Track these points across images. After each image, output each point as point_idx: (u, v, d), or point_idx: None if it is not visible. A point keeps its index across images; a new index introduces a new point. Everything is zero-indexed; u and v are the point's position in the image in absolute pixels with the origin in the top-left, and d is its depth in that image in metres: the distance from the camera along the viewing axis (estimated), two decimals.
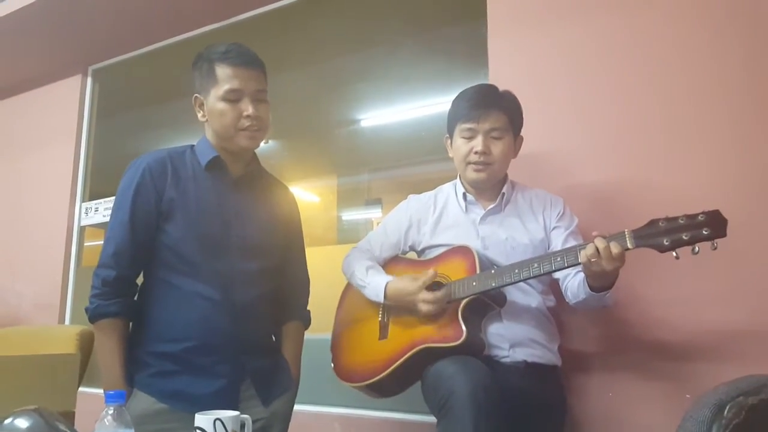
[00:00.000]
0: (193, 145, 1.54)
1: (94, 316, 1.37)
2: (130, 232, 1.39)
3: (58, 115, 3.50)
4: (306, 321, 1.66)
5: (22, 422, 0.87)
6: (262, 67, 1.48)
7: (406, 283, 1.53)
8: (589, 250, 1.30)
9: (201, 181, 1.47)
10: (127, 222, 1.39)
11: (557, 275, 1.57)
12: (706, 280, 1.59)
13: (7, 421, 0.88)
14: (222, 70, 1.41)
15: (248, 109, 1.41)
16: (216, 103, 1.42)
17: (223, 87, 1.41)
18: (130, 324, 1.44)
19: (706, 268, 1.53)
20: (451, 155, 1.70)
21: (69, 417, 1.38)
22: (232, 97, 1.41)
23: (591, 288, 1.40)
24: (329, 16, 2.71)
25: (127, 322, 1.42)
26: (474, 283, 1.46)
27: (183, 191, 1.43)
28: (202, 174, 1.47)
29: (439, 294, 1.47)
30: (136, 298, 1.45)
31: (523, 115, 1.65)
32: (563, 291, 1.57)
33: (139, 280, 1.47)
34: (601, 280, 1.37)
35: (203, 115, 1.48)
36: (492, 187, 1.66)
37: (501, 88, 1.65)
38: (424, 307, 1.48)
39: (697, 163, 1.67)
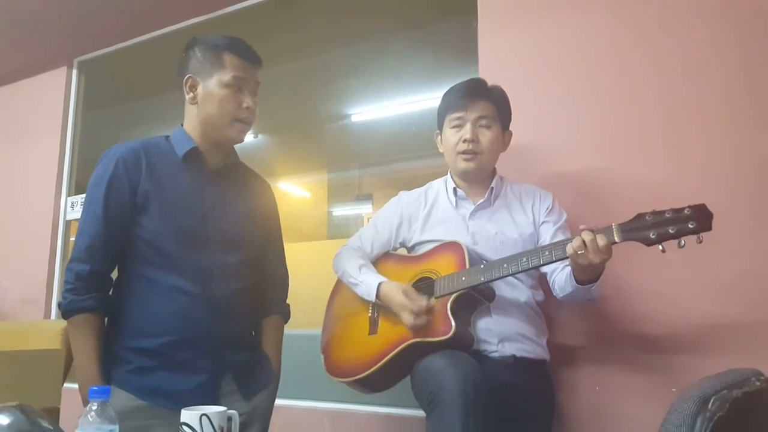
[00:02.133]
0: (167, 136, 1.50)
1: (67, 311, 1.33)
2: (104, 225, 1.36)
3: (44, 108, 3.46)
4: (285, 315, 1.63)
5: (4, 419, 0.86)
6: (261, 65, 1.50)
7: (396, 294, 1.51)
8: (576, 242, 1.31)
9: (177, 172, 1.43)
10: (101, 215, 1.35)
11: (545, 269, 1.57)
12: (691, 274, 1.60)
13: None
14: (230, 58, 1.42)
15: (248, 101, 1.43)
16: (218, 88, 1.41)
17: (230, 74, 1.41)
18: (105, 319, 1.40)
19: (692, 262, 1.55)
20: (441, 150, 1.70)
21: (54, 413, 1.37)
22: (237, 84, 1.42)
23: (577, 281, 1.41)
24: (319, 10, 2.70)
25: (102, 318, 1.38)
26: (463, 278, 1.46)
27: (158, 183, 1.40)
28: (178, 165, 1.44)
29: (419, 321, 1.45)
30: (111, 292, 1.41)
31: (513, 110, 1.66)
32: (551, 285, 1.58)
33: (114, 274, 1.43)
34: (587, 273, 1.38)
35: (194, 98, 1.45)
36: (481, 180, 1.67)
37: (491, 82, 1.66)
38: (408, 321, 1.47)
39: (685, 156, 1.68)
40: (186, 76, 1.45)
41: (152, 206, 1.38)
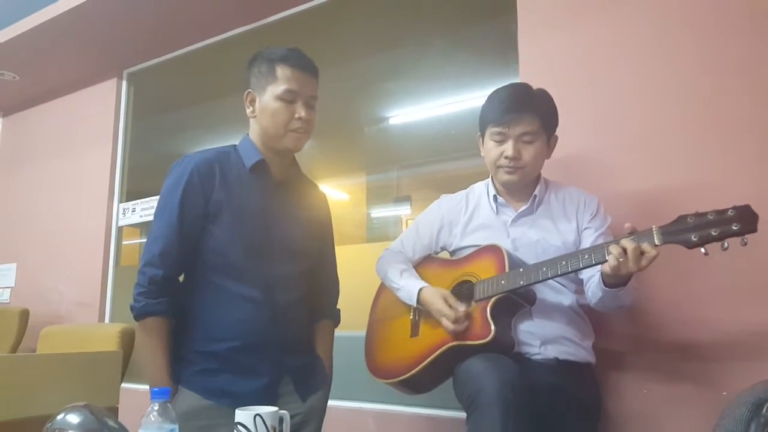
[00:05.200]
0: (235, 145, 1.56)
1: (141, 314, 1.39)
2: (178, 232, 1.41)
3: (96, 118, 3.60)
4: (336, 319, 1.69)
5: (74, 417, 0.91)
6: (317, 75, 1.53)
7: (436, 300, 1.52)
8: (615, 250, 1.28)
9: (246, 183, 1.49)
10: (176, 222, 1.41)
11: (582, 275, 1.55)
12: (742, 276, 1.55)
13: (59, 417, 0.92)
14: (282, 71, 1.46)
15: (301, 112, 1.46)
16: (271, 101, 1.46)
17: (282, 86, 1.45)
18: (173, 322, 1.46)
19: (742, 263, 1.51)
20: (482, 154, 1.68)
21: (113, 412, 1.44)
22: (288, 98, 1.45)
23: (605, 284, 1.38)
24: (358, 15, 2.73)
25: (170, 321, 1.44)
26: (502, 282, 1.46)
27: (230, 194, 1.45)
28: (246, 176, 1.49)
29: (457, 327, 1.46)
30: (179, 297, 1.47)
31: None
32: (585, 291, 1.54)
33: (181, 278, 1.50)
34: (616, 277, 1.34)
35: (252, 111, 1.52)
36: (524, 188, 1.64)
37: (531, 84, 1.62)
38: (447, 327, 1.48)
39: (733, 161, 1.63)
40: (246, 92, 1.52)
41: (223, 216, 1.43)
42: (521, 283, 1.43)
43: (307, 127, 1.48)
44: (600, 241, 1.53)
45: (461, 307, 1.47)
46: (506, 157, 1.56)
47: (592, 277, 1.51)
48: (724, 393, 1.52)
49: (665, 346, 1.67)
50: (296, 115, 1.45)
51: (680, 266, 1.54)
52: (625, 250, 1.27)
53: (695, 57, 1.73)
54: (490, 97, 1.63)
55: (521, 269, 1.46)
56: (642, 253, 1.27)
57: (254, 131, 1.54)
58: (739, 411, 0.90)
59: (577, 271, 1.40)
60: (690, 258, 1.33)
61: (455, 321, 1.46)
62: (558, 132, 1.65)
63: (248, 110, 1.53)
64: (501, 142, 1.58)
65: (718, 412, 1.19)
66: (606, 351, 1.68)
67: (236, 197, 1.46)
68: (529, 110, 1.55)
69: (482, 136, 1.65)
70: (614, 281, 1.36)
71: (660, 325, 1.67)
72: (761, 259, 1.48)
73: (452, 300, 1.50)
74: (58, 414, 0.92)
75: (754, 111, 1.62)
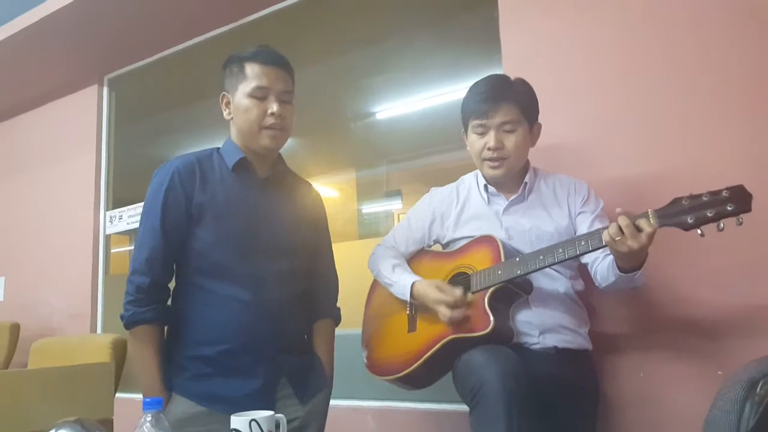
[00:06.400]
0: (218, 148, 1.55)
1: (130, 323, 1.38)
2: (162, 237, 1.40)
3: (78, 125, 3.56)
4: (336, 318, 1.67)
5: None
6: (289, 70, 1.51)
7: (430, 290, 1.51)
8: (612, 229, 1.28)
9: (229, 183, 1.48)
10: (159, 227, 1.40)
11: (585, 259, 1.55)
12: (734, 256, 1.56)
13: None
14: (251, 68, 1.45)
15: (273, 107, 1.44)
16: (242, 99, 1.45)
17: (251, 84, 1.44)
18: (165, 328, 1.46)
19: (734, 244, 1.51)
20: (468, 149, 1.68)
21: (107, 424, 1.42)
22: (259, 94, 1.44)
23: (620, 269, 1.38)
24: (341, 11, 2.71)
25: (162, 328, 1.43)
26: (499, 272, 1.45)
27: (212, 195, 1.44)
28: (229, 176, 1.48)
29: (456, 313, 1.45)
30: (169, 302, 1.46)
31: (538, 102, 1.62)
32: (592, 275, 1.55)
33: (171, 284, 1.49)
34: (629, 261, 1.35)
35: (229, 113, 1.51)
36: (513, 177, 1.63)
37: (515, 73, 1.63)
38: (445, 315, 1.47)
39: (720, 145, 1.63)
40: (221, 95, 1.51)
41: (206, 218, 1.42)
42: (518, 272, 1.43)
43: (282, 123, 1.46)
44: (597, 223, 1.54)
45: (457, 291, 1.46)
46: (489, 148, 1.56)
47: (596, 260, 1.52)
48: (719, 372, 1.53)
49: (659, 329, 1.67)
50: (269, 111, 1.44)
51: (671, 248, 1.55)
52: (620, 228, 1.27)
53: (682, 42, 1.73)
54: (469, 91, 1.63)
55: (517, 258, 1.45)
56: (639, 229, 1.27)
57: (233, 134, 1.53)
58: (733, 391, 0.90)
59: (574, 258, 1.40)
60: (680, 239, 1.33)
61: (453, 306, 1.45)
62: (544, 121, 1.64)
63: (225, 113, 1.52)
64: (483, 134, 1.58)
65: (714, 392, 1.19)
66: (602, 336, 1.68)
67: (219, 198, 1.45)
68: (507, 99, 1.55)
69: (465, 131, 1.66)
70: (629, 265, 1.36)
71: (654, 307, 1.68)
72: (751, 239, 1.48)
73: (447, 287, 1.49)
74: (50, 430, 0.91)
75: (742, 91, 1.62)
